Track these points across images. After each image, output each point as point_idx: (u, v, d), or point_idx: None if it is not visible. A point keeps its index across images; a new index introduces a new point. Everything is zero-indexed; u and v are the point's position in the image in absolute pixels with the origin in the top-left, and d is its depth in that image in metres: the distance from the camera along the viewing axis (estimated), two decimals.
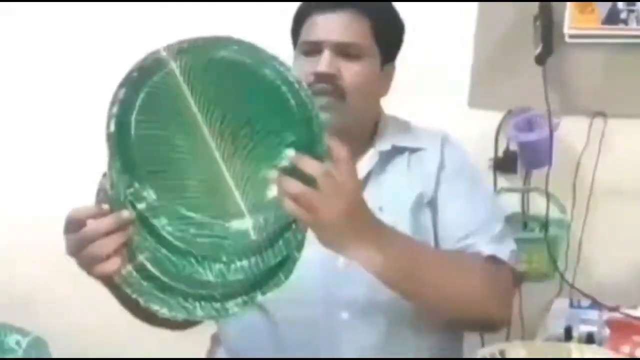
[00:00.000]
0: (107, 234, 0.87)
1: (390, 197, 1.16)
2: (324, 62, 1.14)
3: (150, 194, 0.85)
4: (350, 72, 1.15)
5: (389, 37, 1.21)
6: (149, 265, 0.89)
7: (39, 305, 1.91)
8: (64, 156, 1.92)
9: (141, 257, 0.89)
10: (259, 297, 0.93)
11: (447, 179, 1.21)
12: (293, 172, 0.89)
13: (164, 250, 0.87)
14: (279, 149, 0.90)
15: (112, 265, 0.88)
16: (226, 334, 1.27)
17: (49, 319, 1.84)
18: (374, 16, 1.17)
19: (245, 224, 0.87)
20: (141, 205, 0.85)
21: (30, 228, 1.88)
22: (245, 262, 0.89)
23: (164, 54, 0.90)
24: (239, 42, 0.94)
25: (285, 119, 0.91)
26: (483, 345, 1.52)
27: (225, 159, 0.89)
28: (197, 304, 0.91)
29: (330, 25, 1.16)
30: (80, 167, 1.74)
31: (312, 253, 1.09)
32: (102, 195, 0.91)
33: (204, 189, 0.88)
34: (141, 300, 0.91)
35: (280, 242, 0.91)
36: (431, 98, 1.74)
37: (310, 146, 0.90)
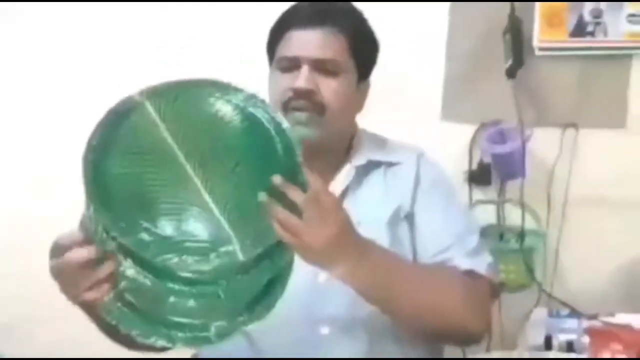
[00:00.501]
0: (90, 264, 0.88)
1: (368, 211, 1.17)
2: (302, 78, 1.14)
3: (142, 228, 0.85)
4: (329, 88, 1.16)
5: (365, 54, 1.22)
6: (128, 295, 0.90)
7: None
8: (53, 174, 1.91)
9: (122, 286, 0.89)
10: (241, 327, 0.94)
11: (423, 194, 1.22)
12: (279, 195, 0.91)
13: (149, 276, 0.87)
14: (263, 175, 0.91)
15: (93, 294, 0.89)
16: (203, 351, 1.27)
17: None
18: (351, 33, 1.18)
19: (232, 246, 0.88)
20: (126, 240, 0.85)
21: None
22: (232, 282, 0.89)
23: (138, 98, 0.92)
24: (214, 83, 0.95)
25: (267, 152, 0.92)
26: (464, 356, 1.52)
27: (209, 190, 0.89)
28: (178, 332, 0.91)
29: (308, 41, 1.16)
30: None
31: (293, 269, 1.09)
32: (84, 224, 0.91)
33: (189, 215, 0.88)
34: (121, 327, 0.91)
35: (267, 261, 0.92)
36: (404, 112, 1.74)
37: (292, 175, 0.92)
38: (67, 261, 0.89)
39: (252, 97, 0.94)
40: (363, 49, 1.21)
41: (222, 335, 0.93)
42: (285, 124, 0.94)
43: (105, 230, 0.86)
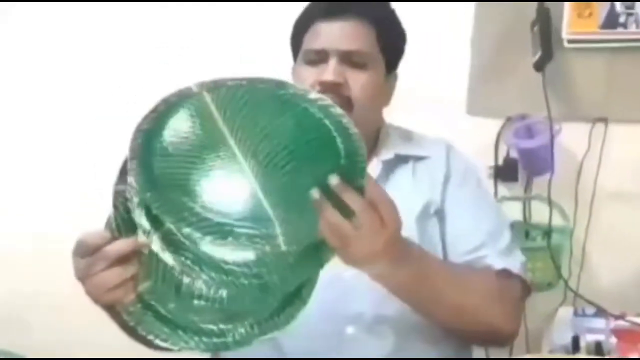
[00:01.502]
0: (120, 262, 0.86)
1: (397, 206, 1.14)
2: (330, 71, 1.12)
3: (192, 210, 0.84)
4: (357, 81, 1.14)
5: (393, 45, 1.20)
6: (149, 297, 0.89)
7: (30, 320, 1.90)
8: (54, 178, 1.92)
9: (142, 287, 0.88)
10: (259, 337, 0.92)
11: (454, 188, 1.20)
12: (332, 196, 0.87)
13: (185, 260, 0.85)
14: (318, 172, 0.87)
15: (120, 293, 0.87)
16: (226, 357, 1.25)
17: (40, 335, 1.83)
18: (379, 23, 1.16)
19: (276, 236, 0.85)
20: (169, 216, 0.84)
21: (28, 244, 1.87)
22: (275, 276, 0.87)
23: (195, 89, 0.89)
24: (279, 83, 0.92)
25: (327, 153, 0.88)
26: (487, 356, 1.50)
27: (260, 180, 0.87)
28: (197, 337, 0.90)
29: (336, 33, 1.14)
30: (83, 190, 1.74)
31: None
32: (110, 225, 0.90)
33: (234, 200, 0.86)
34: (140, 329, 0.90)
35: (307, 259, 0.88)
36: (430, 106, 1.72)
37: (351, 177, 0.87)
38: (95, 259, 0.87)
39: (316, 99, 0.90)
40: (391, 40, 1.19)
41: (242, 342, 0.91)
42: (353, 129, 0.89)
43: (147, 208, 0.84)
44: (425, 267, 1.03)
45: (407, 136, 1.25)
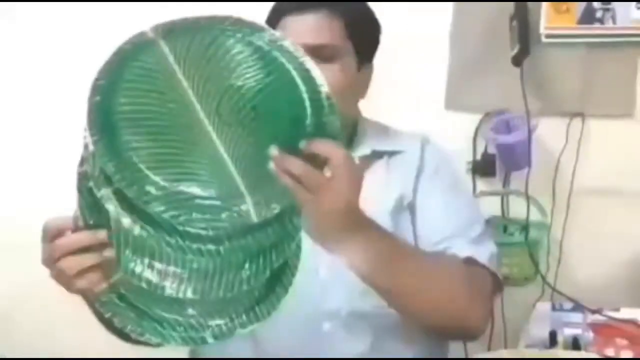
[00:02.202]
0: (82, 250, 0.85)
1: (370, 201, 1.13)
2: None
3: (146, 178, 0.80)
4: (326, 74, 1.11)
5: (364, 36, 1.19)
6: (123, 288, 0.86)
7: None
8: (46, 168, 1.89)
9: (116, 277, 0.85)
10: (238, 330, 0.89)
11: (426, 181, 1.19)
12: (298, 151, 0.83)
13: (148, 228, 0.81)
14: (284, 128, 0.84)
15: (85, 282, 0.86)
16: (205, 346, 1.24)
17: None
18: (348, 15, 1.15)
19: (245, 204, 0.81)
20: (130, 192, 0.79)
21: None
22: (242, 241, 0.83)
23: (151, 34, 0.85)
24: (237, 22, 0.88)
25: (292, 98, 0.85)
26: (466, 354, 1.50)
27: (224, 141, 0.83)
28: (172, 330, 0.88)
29: (303, 28, 1.13)
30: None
31: None
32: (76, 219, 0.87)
33: (201, 168, 0.82)
34: (115, 321, 0.87)
35: (275, 225, 0.85)
36: (407, 101, 1.72)
37: (319, 131, 0.84)
38: (57, 246, 0.86)
39: (277, 39, 0.87)
40: (362, 32, 1.18)
41: (221, 336, 0.89)
42: (315, 71, 0.85)
43: (107, 177, 0.80)
44: (393, 247, 1.01)
45: (384, 131, 1.25)
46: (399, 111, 1.52)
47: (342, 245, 0.94)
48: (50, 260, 0.87)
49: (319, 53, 1.11)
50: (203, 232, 0.82)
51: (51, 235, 0.87)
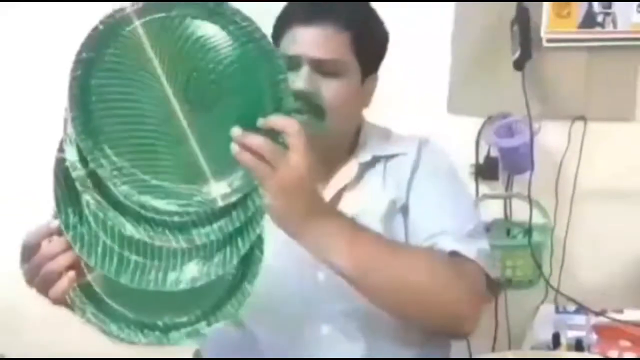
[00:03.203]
0: (56, 256, 0.88)
1: (364, 207, 1.14)
2: (302, 79, 1.10)
3: (113, 162, 0.83)
4: (330, 89, 1.12)
5: (370, 50, 1.18)
6: (95, 286, 0.87)
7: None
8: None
9: (89, 277, 0.87)
10: (205, 330, 0.90)
11: (419, 181, 1.18)
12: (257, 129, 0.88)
13: (114, 211, 0.84)
14: (245, 110, 0.88)
15: (62, 284, 0.88)
16: (206, 351, 1.25)
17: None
18: (356, 30, 1.14)
19: (211, 191, 0.86)
20: (103, 173, 0.83)
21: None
22: (202, 229, 0.87)
23: (128, 10, 0.86)
24: (205, 3, 0.90)
25: (251, 77, 0.89)
26: (470, 356, 1.51)
27: (190, 123, 0.87)
28: (139, 331, 0.89)
29: (310, 40, 1.12)
30: None
31: (291, 266, 1.07)
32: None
33: (168, 153, 0.86)
34: (84, 320, 0.89)
35: (239, 209, 0.88)
36: (410, 105, 1.73)
37: (276, 108, 0.89)
38: (34, 262, 0.89)
39: (246, 24, 0.89)
40: (368, 46, 1.16)
41: (192, 335, 0.90)
42: (273, 53, 0.90)
43: (82, 158, 0.83)
44: (357, 232, 1.01)
45: (385, 136, 1.24)
46: (401, 115, 1.53)
47: (304, 228, 0.96)
48: (32, 277, 0.91)
49: (323, 67, 1.12)
50: (169, 219, 0.85)
51: (31, 251, 0.90)
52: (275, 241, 0.94)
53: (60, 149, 0.86)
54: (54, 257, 0.88)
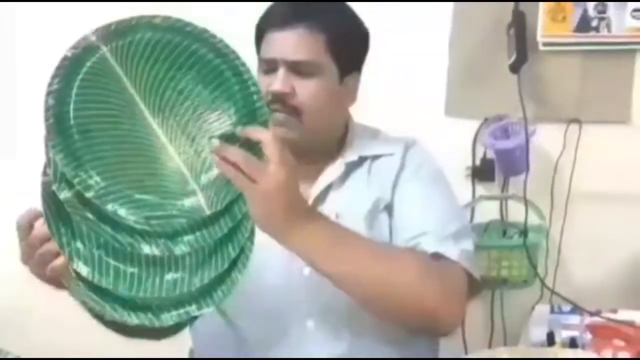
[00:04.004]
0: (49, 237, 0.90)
1: (348, 205, 1.16)
2: (278, 81, 1.13)
3: (97, 182, 0.85)
4: (304, 90, 1.14)
5: (347, 50, 1.19)
6: (84, 269, 0.88)
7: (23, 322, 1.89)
8: None
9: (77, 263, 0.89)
10: (195, 312, 0.92)
11: (404, 180, 1.20)
12: (236, 143, 0.91)
13: (106, 228, 0.87)
14: (222, 121, 0.91)
15: (58, 263, 0.91)
16: (197, 346, 1.28)
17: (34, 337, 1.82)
18: (330, 30, 1.16)
19: (198, 200, 0.88)
20: (89, 194, 0.85)
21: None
22: (191, 237, 0.89)
23: (93, 38, 0.90)
24: (167, 19, 0.94)
25: (224, 92, 0.92)
26: (466, 354, 1.52)
27: (170, 137, 0.90)
28: (132, 312, 0.91)
29: (284, 43, 1.15)
30: None
31: (277, 261, 1.10)
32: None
33: (152, 167, 0.88)
34: (79, 301, 0.92)
35: (226, 216, 0.91)
36: (407, 107, 1.74)
37: (252, 118, 0.92)
38: (29, 241, 0.93)
39: (215, 41, 0.93)
40: (344, 46, 1.18)
41: (183, 316, 0.92)
42: (244, 67, 0.93)
43: (64, 179, 0.85)
44: (340, 235, 1.04)
45: (373, 136, 1.26)
46: (399, 117, 1.54)
47: (287, 232, 0.98)
48: (28, 256, 0.94)
49: (298, 68, 1.14)
50: (160, 230, 0.87)
51: (24, 231, 0.94)
52: (260, 236, 0.97)
53: (45, 173, 0.89)
54: (48, 238, 0.90)
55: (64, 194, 0.86)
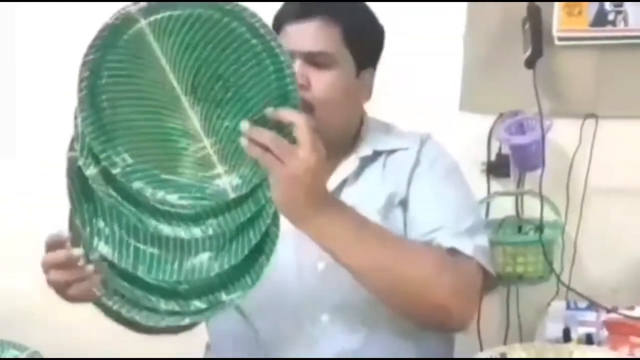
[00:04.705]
0: (63, 266, 0.95)
1: (362, 200, 1.16)
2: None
3: (124, 159, 0.85)
4: (320, 82, 1.15)
5: (363, 43, 1.20)
6: (104, 248, 0.89)
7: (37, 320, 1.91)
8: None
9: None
10: (224, 297, 0.93)
11: (419, 175, 1.20)
12: (265, 126, 0.90)
13: (130, 207, 0.87)
14: (253, 103, 0.90)
15: (76, 291, 0.96)
16: (212, 342, 1.29)
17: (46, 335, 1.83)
18: (346, 22, 1.16)
19: (223, 183, 0.88)
20: (116, 170, 0.85)
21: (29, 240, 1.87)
22: (214, 220, 0.89)
23: (133, 10, 0.89)
24: (213, 5, 0.92)
25: (258, 73, 0.90)
26: (482, 350, 1.52)
27: (200, 118, 0.89)
28: (161, 298, 0.92)
29: (300, 35, 1.15)
30: None
31: (291, 256, 1.11)
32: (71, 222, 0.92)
33: (179, 147, 0.88)
34: (108, 293, 0.93)
35: (250, 200, 0.91)
36: (422, 102, 1.74)
37: (284, 100, 0.91)
38: (44, 260, 0.98)
39: (253, 21, 0.90)
40: (361, 39, 1.19)
41: (212, 302, 0.93)
42: (281, 48, 0.91)
43: (92, 154, 0.86)
44: (363, 227, 1.04)
45: (387, 131, 1.26)
46: (413, 112, 1.55)
47: (309, 220, 0.98)
48: (45, 270, 0.99)
49: (315, 60, 1.14)
50: (182, 211, 0.87)
51: (46, 247, 0.98)
52: None
53: (71, 148, 0.89)
54: (62, 266, 0.96)
55: (90, 170, 0.86)
